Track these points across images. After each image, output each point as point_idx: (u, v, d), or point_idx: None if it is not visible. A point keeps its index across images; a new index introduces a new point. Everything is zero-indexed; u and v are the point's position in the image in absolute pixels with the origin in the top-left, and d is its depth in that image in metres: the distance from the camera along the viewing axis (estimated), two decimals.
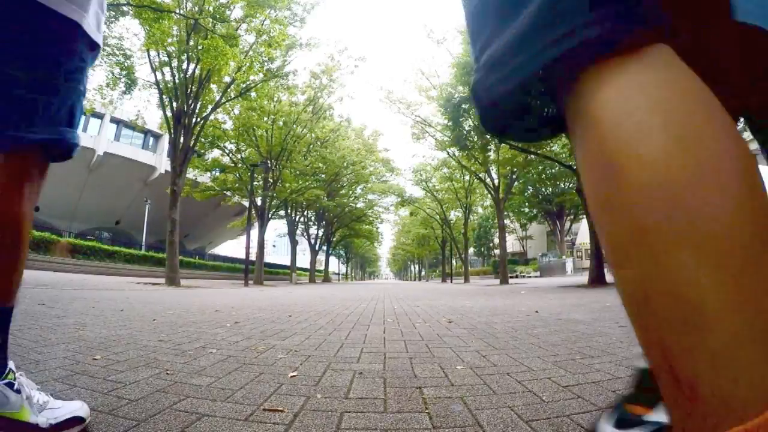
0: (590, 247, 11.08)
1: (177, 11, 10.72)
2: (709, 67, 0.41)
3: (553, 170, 17.44)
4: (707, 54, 0.46)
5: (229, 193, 21.31)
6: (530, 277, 32.62)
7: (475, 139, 13.02)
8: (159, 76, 12.37)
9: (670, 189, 0.29)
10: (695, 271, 0.27)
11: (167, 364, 1.63)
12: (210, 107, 13.90)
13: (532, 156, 13.37)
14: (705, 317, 0.27)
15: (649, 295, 0.29)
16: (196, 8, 11.83)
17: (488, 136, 12.69)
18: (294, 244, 28.04)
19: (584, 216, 14.48)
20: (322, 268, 41.62)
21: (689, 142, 0.29)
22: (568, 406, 1.13)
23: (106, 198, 32.03)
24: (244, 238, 21.34)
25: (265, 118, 19.10)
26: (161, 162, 32.51)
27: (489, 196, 19.95)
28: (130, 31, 17.67)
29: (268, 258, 40.77)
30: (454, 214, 33.39)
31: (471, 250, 36.41)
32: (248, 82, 14.28)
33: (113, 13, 11.10)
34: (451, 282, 30.10)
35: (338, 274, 71.39)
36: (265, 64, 14.66)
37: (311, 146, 23.99)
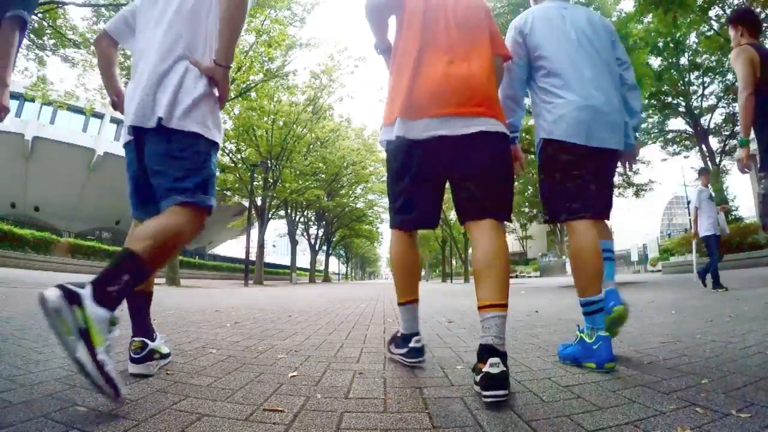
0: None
1: None
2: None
3: None
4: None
5: (229, 193, 21.29)
6: (530, 277, 32.61)
7: None
8: None
9: None
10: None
11: (167, 364, 1.63)
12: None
13: (532, 156, 13.34)
14: None
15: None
16: None
17: None
18: (294, 244, 28.03)
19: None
20: (322, 268, 41.60)
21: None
22: (568, 406, 1.13)
23: (106, 198, 31.95)
24: (244, 238, 21.33)
25: (265, 118, 19.08)
26: None
27: None
28: None
29: (268, 258, 40.74)
30: (454, 214, 33.34)
31: (471, 249, 36.35)
32: (248, 82, 14.27)
33: (113, 13, 11.11)
34: (451, 282, 30.09)
35: (338, 274, 71.35)
36: (265, 64, 14.65)
37: (311, 146, 23.98)
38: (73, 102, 12.84)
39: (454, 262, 41.99)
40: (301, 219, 29.41)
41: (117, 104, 1.63)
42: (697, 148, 17.80)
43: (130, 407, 1.11)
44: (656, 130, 18.58)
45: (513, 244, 48.21)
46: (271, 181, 20.22)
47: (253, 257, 18.95)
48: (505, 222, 1.47)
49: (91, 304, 1.04)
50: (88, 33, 11.01)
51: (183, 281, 13.30)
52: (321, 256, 37.75)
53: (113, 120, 30.56)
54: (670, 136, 19.01)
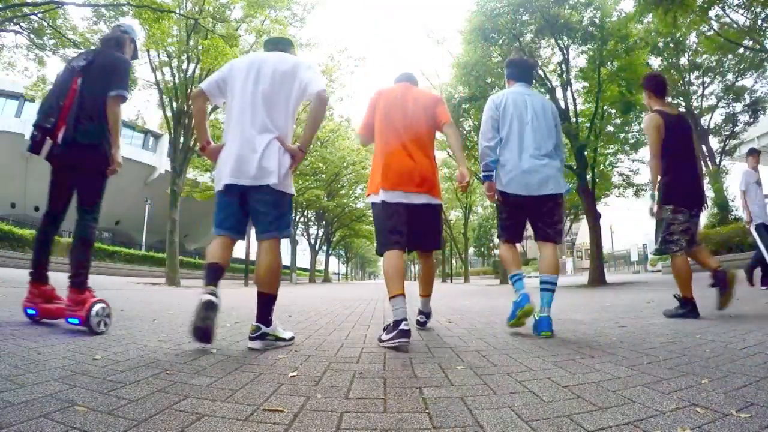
0: (590, 247, 11.07)
1: (177, 11, 10.71)
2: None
3: None
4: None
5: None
6: (530, 277, 32.61)
7: (475, 139, 13.00)
8: (159, 76, 12.37)
9: None
10: None
11: (167, 364, 1.62)
12: (210, 107, 13.91)
13: None
14: None
15: None
16: (196, 8, 11.82)
17: None
18: (294, 244, 28.02)
19: (584, 216, 14.44)
20: (322, 268, 41.59)
21: None
22: (568, 406, 1.13)
23: (106, 198, 31.79)
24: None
25: None
26: (161, 162, 32.48)
27: None
28: None
29: None
30: (454, 214, 33.37)
31: (471, 250, 36.36)
32: None
33: (113, 13, 11.10)
34: (451, 282, 30.08)
35: (338, 274, 71.31)
36: None
37: (311, 146, 23.94)
38: None
39: (454, 262, 41.99)
40: (301, 219, 29.40)
41: (205, 149, 2.23)
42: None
43: (130, 407, 1.11)
44: None
45: None
46: None
47: (253, 257, 18.95)
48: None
49: (266, 326, 2.04)
50: (88, 33, 11.00)
51: (183, 281, 13.30)
52: (321, 256, 37.75)
53: None
54: None
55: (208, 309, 1.79)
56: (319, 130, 22.34)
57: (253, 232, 2.11)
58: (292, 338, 2.20)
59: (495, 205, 2.68)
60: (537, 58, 11.41)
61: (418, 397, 1.24)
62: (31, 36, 10.99)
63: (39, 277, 2.53)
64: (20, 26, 10.73)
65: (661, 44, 15.38)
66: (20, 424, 0.95)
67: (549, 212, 2.49)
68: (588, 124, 11.28)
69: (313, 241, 31.68)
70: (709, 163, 17.27)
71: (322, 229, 32.51)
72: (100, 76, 2.37)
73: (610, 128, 12.53)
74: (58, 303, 2.49)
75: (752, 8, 11.49)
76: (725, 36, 12.02)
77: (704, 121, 17.22)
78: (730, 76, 16.09)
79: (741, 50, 13.76)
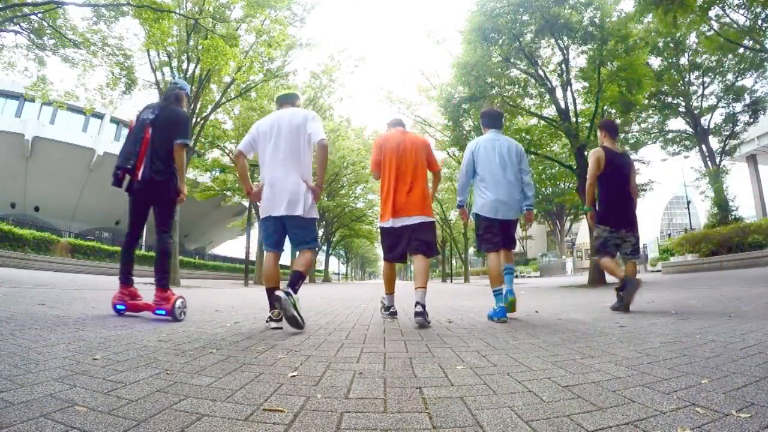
0: (590, 247, 11.07)
1: (177, 11, 10.71)
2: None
3: (553, 170, 17.38)
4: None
5: (229, 193, 21.29)
6: (530, 277, 32.60)
7: None
8: (159, 76, 12.36)
9: None
10: None
11: (167, 364, 1.63)
12: (210, 107, 13.89)
13: (532, 156, 13.34)
14: None
15: None
16: (196, 8, 11.82)
17: None
18: None
19: (584, 216, 14.44)
20: (322, 268, 41.58)
21: None
22: (568, 406, 1.13)
23: (106, 198, 31.92)
24: (244, 238, 21.32)
25: None
26: None
27: None
28: (130, 31, 17.72)
29: None
30: (454, 214, 33.37)
31: (471, 250, 36.37)
32: (248, 82, 14.25)
33: (113, 13, 11.10)
34: (451, 282, 30.08)
35: (338, 274, 71.30)
36: (265, 64, 14.63)
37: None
38: (73, 102, 12.83)
39: (454, 262, 41.97)
40: None
41: (250, 193, 2.99)
42: (697, 148, 17.78)
43: (130, 407, 1.11)
44: (656, 130, 18.55)
45: None
46: None
47: (253, 257, 18.96)
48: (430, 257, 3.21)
49: (293, 294, 2.57)
50: (88, 33, 11.00)
51: (183, 281, 13.30)
52: (321, 256, 37.75)
53: (113, 120, 30.55)
54: (670, 136, 18.97)
55: (291, 323, 2.58)
56: None
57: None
58: (303, 325, 2.65)
59: (475, 224, 3.59)
60: (537, 58, 11.40)
61: (418, 397, 1.24)
62: (31, 36, 10.98)
63: (126, 280, 3.28)
64: (20, 26, 10.72)
65: (661, 44, 15.37)
66: (20, 424, 0.95)
67: (507, 229, 3.49)
68: (588, 124, 11.28)
69: None
70: (709, 163, 17.27)
71: (322, 229, 32.51)
72: (166, 127, 3.11)
73: None
74: (141, 300, 3.31)
75: (752, 8, 11.49)
76: (725, 36, 12.02)
77: (704, 121, 17.21)
78: (730, 76, 16.07)
79: (741, 50, 13.75)
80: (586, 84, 11.17)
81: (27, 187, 28.74)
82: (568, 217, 33.72)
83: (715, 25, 12.50)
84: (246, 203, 21.86)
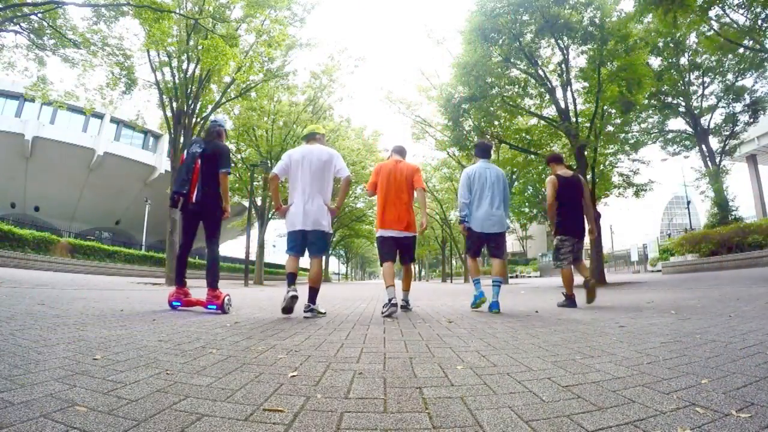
0: (590, 247, 11.07)
1: (177, 11, 10.70)
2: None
3: None
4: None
5: (229, 193, 21.26)
6: (530, 277, 32.59)
7: (475, 139, 12.99)
8: (159, 76, 12.35)
9: None
10: None
11: (167, 364, 1.62)
12: (210, 107, 13.87)
13: (532, 156, 13.35)
14: None
15: None
16: (196, 8, 11.81)
17: (488, 137, 12.67)
18: None
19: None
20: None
21: None
22: (568, 406, 1.13)
23: (106, 198, 31.99)
24: (244, 238, 21.31)
25: (265, 118, 19.05)
26: (161, 162, 32.46)
27: None
28: (130, 31, 17.65)
29: (268, 258, 40.71)
30: (454, 214, 33.38)
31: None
32: (248, 82, 14.23)
33: (113, 13, 11.09)
34: (451, 282, 30.07)
35: (338, 274, 71.28)
36: (265, 64, 14.61)
37: None
38: (73, 102, 12.82)
39: (454, 262, 41.98)
40: None
41: (279, 209, 3.66)
42: (697, 148, 17.78)
43: (130, 407, 1.11)
44: (656, 130, 18.55)
45: (513, 244, 48.16)
46: None
47: (253, 257, 18.94)
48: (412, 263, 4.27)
49: (313, 306, 3.55)
50: (88, 33, 10.99)
51: None
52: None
53: (113, 120, 30.55)
54: (670, 136, 18.97)
55: (293, 299, 3.46)
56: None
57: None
58: (325, 313, 3.79)
59: (464, 236, 4.41)
60: (537, 58, 11.40)
61: (418, 397, 1.24)
62: (31, 36, 10.97)
63: (180, 282, 4.03)
64: (20, 26, 10.71)
65: (661, 44, 15.36)
66: (20, 424, 0.95)
67: (496, 241, 4.21)
68: (588, 124, 11.28)
69: None
70: (709, 163, 17.27)
71: None
72: (212, 159, 3.82)
73: (610, 128, 12.52)
74: (191, 298, 4.05)
75: (752, 8, 11.49)
76: (725, 36, 12.01)
77: (704, 121, 17.21)
78: (730, 76, 16.07)
79: (741, 50, 13.74)
80: (586, 84, 11.17)
81: (27, 187, 28.74)
82: None
83: (715, 25, 12.50)
84: (246, 203, 21.82)
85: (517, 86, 11.96)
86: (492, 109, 11.73)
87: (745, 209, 20.75)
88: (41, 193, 29.05)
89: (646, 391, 1.23)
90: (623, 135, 14.09)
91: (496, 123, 12.75)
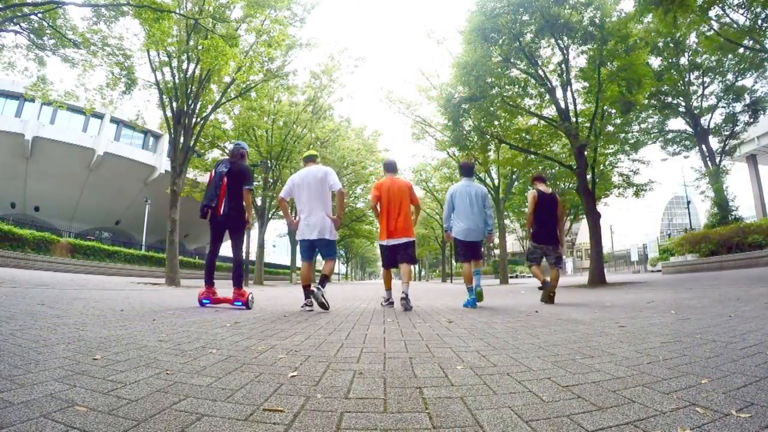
0: (590, 247, 11.07)
1: (177, 11, 10.69)
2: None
3: (553, 170, 17.39)
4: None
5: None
6: (530, 277, 32.58)
7: (475, 139, 12.94)
8: (159, 76, 12.34)
9: None
10: None
11: (167, 364, 1.62)
12: (210, 107, 13.87)
13: (532, 156, 13.34)
14: None
15: None
16: (196, 8, 11.81)
17: (488, 137, 12.66)
18: (294, 244, 28.01)
19: (584, 216, 14.44)
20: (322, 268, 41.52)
21: None
22: (568, 406, 1.13)
23: (106, 198, 31.97)
24: (244, 238, 21.31)
25: (265, 118, 19.05)
26: (161, 162, 32.46)
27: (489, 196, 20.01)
28: (130, 31, 17.64)
29: (268, 258, 40.68)
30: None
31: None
32: (248, 82, 14.22)
33: (113, 13, 11.08)
34: (452, 282, 30.07)
35: (338, 274, 71.22)
36: (265, 64, 14.60)
37: (311, 146, 23.95)
38: (73, 102, 12.81)
39: (454, 262, 41.93)
40: None
41: (292, 224, 4.56)
42: (697, 148, 17.77)
43: (130, 407, 1.11)
44: (656, 130, 18.54)
45: (513, 244, 48.13)
46: (271, 181, 20.20)
47: (253, 257, 18.95)
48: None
49: (322, 289, 4.27)
50: (88, 33, 10.99)
51: (183, 281, 13.30)
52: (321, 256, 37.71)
53: (113, 120, 30.54)
54: (670, 136, 18.95)
55: (321, 306, 4.21)
56: (319, 131, 21.88)
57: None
58: (328, 307, 4.33)
59: (452, 243, 5.21)
60: (537, 58, 11.39)
61: (418, 397, 1.24)
62: (31, 36, 10.96)
63: (210, 282, 4.55)
64: (20, 26, 10.70)
65: (661, 44, 15.35)
66: (20, 424, 0.95)
67: (475, 247, 4.88)
68: (588, 124, 11.27)
69: None
70: (709, 163, 17.26)
71: None
72: (237, 177, 4.39)
73: (610, 128, 12.51)
74: (218, 296, 4.60)
75: (752, 8, 11.48)
76: (725, 36, 12.00)
77: (704, 121, 17.20)
78: (730, 76, 16.05)
79: (741, 50, 13.74)
80: (586, 84, 11.16)
81: (27, 187, 28.73)
82: (568, 217, 33.67)
83: (715, 25, 12.48)
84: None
85: (517, 86, 11.95)
86: (492, 109, 11.72)
87: (745, 209, 20.77)
88: (41, 193, 29.03)
89: (646, 391, 1.23)
90: (623, 135, 14.11)
91: (496, 123, 12.74)
